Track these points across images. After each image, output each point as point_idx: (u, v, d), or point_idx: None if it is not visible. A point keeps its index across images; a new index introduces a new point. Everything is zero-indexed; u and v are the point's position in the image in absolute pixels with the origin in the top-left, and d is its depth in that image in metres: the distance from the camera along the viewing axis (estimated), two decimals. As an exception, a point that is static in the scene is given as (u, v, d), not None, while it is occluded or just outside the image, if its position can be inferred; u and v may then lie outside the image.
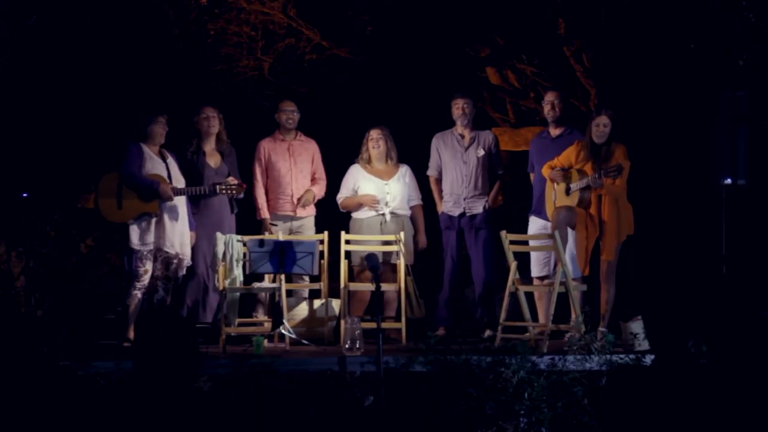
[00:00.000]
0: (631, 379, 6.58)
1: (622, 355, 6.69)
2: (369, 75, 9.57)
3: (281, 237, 7.66)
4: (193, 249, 7.76)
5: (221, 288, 7.50)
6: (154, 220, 7.49)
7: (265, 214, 8.16)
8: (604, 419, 6.37)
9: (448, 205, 8.16)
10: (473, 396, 6.30)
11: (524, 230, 7.88)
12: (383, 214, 8.13)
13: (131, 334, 7.43)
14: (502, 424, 6.33)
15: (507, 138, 9.26)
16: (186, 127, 7.97)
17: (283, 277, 7.43)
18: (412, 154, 8.41)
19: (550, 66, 9.07)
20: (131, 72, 9.07)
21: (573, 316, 7.17)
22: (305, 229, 8.17)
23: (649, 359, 6.70)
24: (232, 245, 7.57)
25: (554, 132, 7.84)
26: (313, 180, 8.27)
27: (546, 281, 7.58)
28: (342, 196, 8.23)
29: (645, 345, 6.96)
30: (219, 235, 7.59)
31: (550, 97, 7.85)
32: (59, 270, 8.71)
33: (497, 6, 8.96)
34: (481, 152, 8.09)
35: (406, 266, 7.80)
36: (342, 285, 7.70)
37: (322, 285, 7.79)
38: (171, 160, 7.68)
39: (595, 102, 8.65)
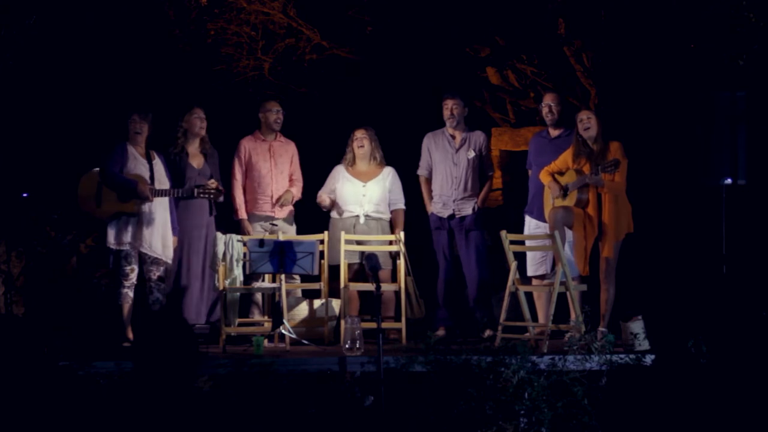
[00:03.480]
0: (631, 379, 6.57)
1: (622, 355, 6.69)
2: (369, 75, 9.57)
3: (281, 237, 7.66)
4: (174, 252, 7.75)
5: (221, 288, 7.50)
6: (132, 221, 7.47)
7: (243, 214, 8.13)
8: (604, 419, 6.36)
9: (438, 206, 8.14)
10: (473, 396, 6.29)
11: (522, 230, 7.88)
12: (357, 216, 8.11)
13: (129, 334, 7.43)
14: (502, 424, 6.33)
15: (507, 138, 9.26)
16: (177, 126, 7.96)
17: (283, 277, 7.43)
18: (412, 154, 8.40)
19: (550, 66, 9.07)
20: (131, 72, 9.07)
21: (573, 316, 7.18)
22: (284, 229, 8.14)
23: (649, 359, 6.70)
24: (232, 245, 7.57)
25: (553, 132, 7.84)
26: (291, 181, 8.26)
27: (546, 281, 7.58)
28: (320, 193, 8.23)
29: (645, 345, 6.96)
30: (219, 235, 7.60)
31: (547, 99, 7.83)
32: (59, 270, 8.71)
33: (497, 6, 8.95)
34: (472, 154, 8.07)
35: (406, 266, 7.80)
36: (342, 285, 7.71)
37: (322, 285, 7.79)
38: (158, 162, 7.66)
39: (596, 102, 8.65)
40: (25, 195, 8.36)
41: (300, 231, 8.16)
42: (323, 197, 8.17)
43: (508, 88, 9.43)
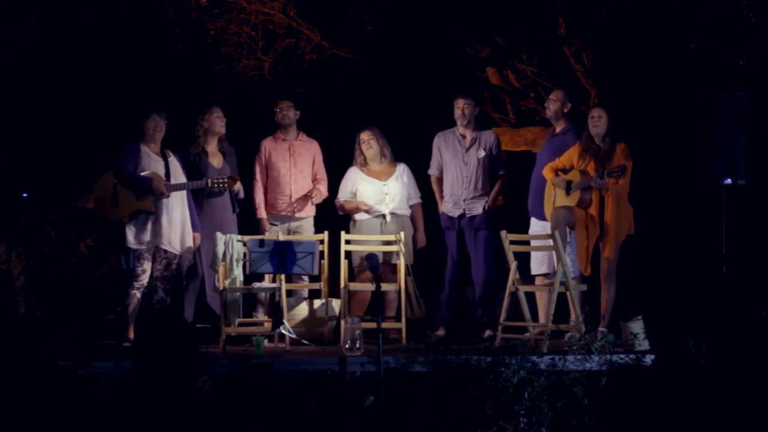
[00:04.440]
0: (631, 379, 6.58)
1: (622, 355, 6.69)
2: (369, 75, 9.57)
3: (281, 237, 7.66)
4: (197, 249, 7.76)
5: (221, 288, 7.50)
6: (150, 219, 7.49)
7: (262, 213, 8.16)
8: (604, 419, 6.36)
9: (449, 205, 8.16)
10: (473, 396, 6.29)
11: (524, 230, 7.89)
12: (383, 215, 8.12)
13: (131, 335, 7.44)
14: (502, 424, 6.33)
15: (507, 138, 9.26)
16: (188, 126, 7.96)
17: (283, 277, 7.43)
18: (412, 153, 8.41)
19: (550, 66, 9.07)
20: (131, 72, 9.07)
21: (573, 316, 7.18)
22: (304, 229, 8.18)
23: (649, 359, 6.71)
24: (232, 245, 7.57)
25: (556, 130, 7.86)
26: (315, 180, 8.27)
27: (546, 281, 7.58)
28: (340, 199, 8.23)
29: (645, 345, 6.97)
30: (219, 235, 7.59)
31: (550, 95, 7.89)
32: (59, 270, 8.71)
33: (497, 6, 8.96)
34: (482, 153, 8.08)
35: (406, 266, 7.80)
36: (342, 285, 7.70)
37: (322, 285, 7.79)
38: (173, 159, 7.67)
39: (595, 101, 8.66)
40: (25, 195, 8.36)
41: (319, 231, 8.13)
42: (357, 203, 8.13)
43: (508, 88, 9.43)
